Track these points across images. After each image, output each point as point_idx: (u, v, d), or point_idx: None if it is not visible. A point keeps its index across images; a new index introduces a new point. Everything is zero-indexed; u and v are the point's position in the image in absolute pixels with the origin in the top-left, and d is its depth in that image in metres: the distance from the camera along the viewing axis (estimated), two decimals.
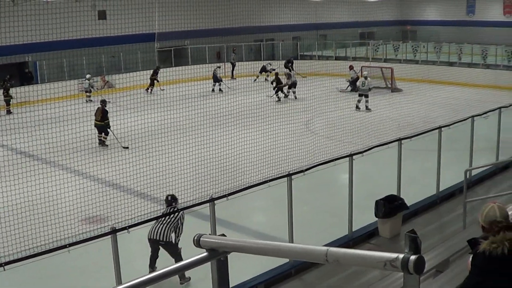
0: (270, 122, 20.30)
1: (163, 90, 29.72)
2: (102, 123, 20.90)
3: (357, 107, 25.80)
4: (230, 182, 13.73)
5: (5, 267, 7.13)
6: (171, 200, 10.41)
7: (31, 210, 12.63)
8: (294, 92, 29.64)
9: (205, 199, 9.03)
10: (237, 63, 38.25)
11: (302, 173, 10.03)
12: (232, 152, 16.28)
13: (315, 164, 10.73)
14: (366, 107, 25.75)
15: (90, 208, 13.21)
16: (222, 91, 32.20)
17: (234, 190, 9.27)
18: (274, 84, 30.32)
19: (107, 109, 21.23)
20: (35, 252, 7.48)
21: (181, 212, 9.87)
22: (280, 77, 30.53)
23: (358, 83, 27.14)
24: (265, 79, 35.54)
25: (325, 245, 3.49)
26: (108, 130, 20.79)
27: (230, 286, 7.81)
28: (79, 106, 22.91)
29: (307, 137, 19.49)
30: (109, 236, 7.56)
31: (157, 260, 9.93)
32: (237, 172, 15.09)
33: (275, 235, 10.98)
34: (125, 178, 14.62)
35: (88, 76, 31.48)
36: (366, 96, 25.87)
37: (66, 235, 10.47)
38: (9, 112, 28.31)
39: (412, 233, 2.84)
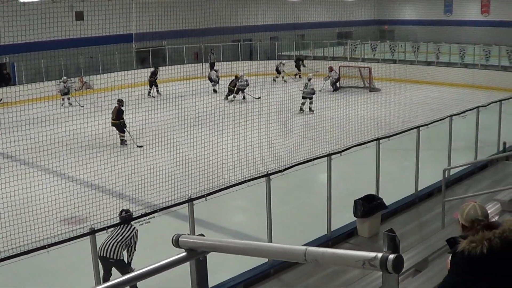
0: (249, 122, 20.31)
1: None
2: (118, 122, 20.96)
3: (300, 109, 25.82)
4: (209, 182, 13.74)
5: None
6: (124, 216, 9.53)
7: (10, 211, 12.53)
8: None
9: (184, 199, 9.01)
10: (216, 63, 38.21)
11: (280, 173, 10.03)
12: (211, 153, 16.29)
13: (294, 164, 10.74)
14: (310, 108, 25.73)
15: (69, 209, 13.13)
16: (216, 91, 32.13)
17: (213, 190, 9.25)
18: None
19: (123, 109, 21.20)
20: (13, 253, 7.42)
21: (135, 229, 9.23)
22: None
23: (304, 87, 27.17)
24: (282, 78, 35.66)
25: (304, 245, 3.49)
26: (124, 129, 20.79)
27: (209, 286, 7.79)
28: (57, 107, 22.84)
29: (285, 137, 19.50)
30: (88, 236, 7.53)
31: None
32: (216, 172, 15.10)
33: (254, 235, 10.99)
34: (103, 179, 14.56)
35: (64, 78, 30.81)
36: (310, 98, 25.80)
37: (45, 236, 10.40)
38: None
39: (391, 232, 2.85)
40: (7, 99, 25.37)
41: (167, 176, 14.86)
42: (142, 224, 8.29)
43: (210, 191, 9.21)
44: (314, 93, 25.81)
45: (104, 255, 8.95)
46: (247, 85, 29.79)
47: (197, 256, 3.47)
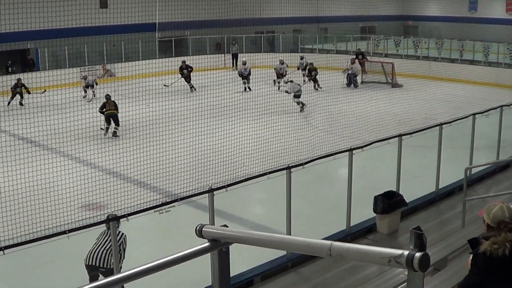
0: (271, 115, 20.30)
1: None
2: (116, 111, 21.04)
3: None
4: (229, 173, 13.73)
5: (5, 251, 7.12)
6: (111, 219, 8.64)
7: (32, 196, 12.62)
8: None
9: (204, 190, 9.02)
10: (239, 54, 38.19)
11: (301, 166, 10.02)
12: (232, 144, 16.26)
13: (315, 157, 10.72)
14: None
15: (89, 195, 13.18)
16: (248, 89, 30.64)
17: (233, 182, 9.26)
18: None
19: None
20: (35, 237, 7.47)
21: (124, 235, 8.67)
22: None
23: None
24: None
25: (324, 239, 3.47)
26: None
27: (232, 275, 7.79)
28: (80, 94, 22.95)
29: (307, 130, 19.45)
30: (109, 223, 7.56)
31: None
32: (236, 163, 15.08)
33: (272, 228, 10.98)
34: (124, 166, 14.61)
35: (84, 74, 30.00)
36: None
37: (65, 221, 10.47)
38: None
39: (418, 229, 2.83)
40: (31, 85, 25.55)
41: (187, 166, 14.89)
42: (162, 212, 8.30)
43: (230, 182, 9.21)
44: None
45: (93, 263, 8.49)
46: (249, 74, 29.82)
47: (220, 247, 3.46)
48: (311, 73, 29.45)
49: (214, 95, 20.09)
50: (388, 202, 10.80)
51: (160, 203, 8.54)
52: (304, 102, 24.25)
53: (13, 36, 31.64)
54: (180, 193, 10.74)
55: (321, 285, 9.09)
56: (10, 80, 27.01)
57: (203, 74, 26.12)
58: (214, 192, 8.75)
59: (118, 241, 8.42)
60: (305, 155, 13.23)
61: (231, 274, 8.52)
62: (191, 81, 30.28)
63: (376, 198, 10.88)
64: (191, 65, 30.77)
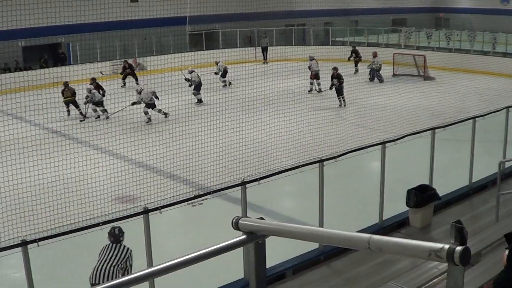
0: (302, 108, 20.24)
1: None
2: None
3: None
4: (260, 166, 13.72)
5: (39, 243, 7.20)
6: (119, 234, 8.34)
7: (65, 189, 12.75)
8: (318, 84, 27.70)
9: (235, 183, 9.03)
10: (269, 48, 38.12)
11: (334, 160, 9.99)
12: (263, 137, 16.25)
13: (347, 151, 10.67)
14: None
15: (121, 188, 13.26)
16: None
17: (266, 174, 9.25)
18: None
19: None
20: (69, 229, 7.55)
21: (129, 250, 8.26)
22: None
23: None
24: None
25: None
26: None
27: None
28: (111, 87, 23.10)
29: (338, 124, 19.36)
30: (142, 216, 7.60)
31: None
32: (267, 157, 15.07)
33: (304, 221, 10.95)
34: (156, 159, 14.68)
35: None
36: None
37: (98, 213, 10.55)
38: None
39: (458, 223, 2.80)
40: (61, 78, 25.76)
41: (217, 159, 14.91)
42: (195, 205, 8.33)
43: (263, 175, 9.21)
44: None
45: (99, 282, 7.82)
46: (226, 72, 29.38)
47: (256, 240, 3.45)
48: (332, 80, 25.34)
49: (245, 89, 20.06)
50: (421, 195, 10.73)
51: (193, 195, 8.57)
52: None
53: (45, 30, 31.99)
54: (211, 186, 10.77)
55: (353, 279, 9.07)
56: (44, 73, 27.30)
57: (233, 67, 26.12)
58: (247, 185, 8.75)
59: (125, 256, 8.14)
60: (337, 148, 13.17)
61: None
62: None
63: (409, 191, 10.81)
64: (222, 57, 30.66)
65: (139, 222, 7.81)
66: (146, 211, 7.53)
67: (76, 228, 7.61)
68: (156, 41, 36.54)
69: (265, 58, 37.89)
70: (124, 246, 8.25)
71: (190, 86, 25.34)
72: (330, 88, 24.49)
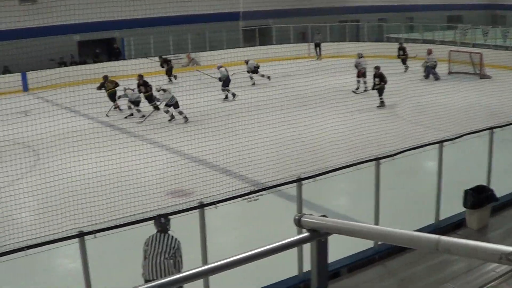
0: (356, 105, 20.09)
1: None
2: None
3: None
4: (315, 163, 13.63)
5: (96, 234, 7.28)
6: (165, 223, 8.03)
7: (120, 182, 12.89)
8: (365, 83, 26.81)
9: (290, 179, 8.98)
10: (322, 44, 37.93)
11: (390, 158, 9.87)
12: (317, 134, 16.16)
13: (404, 149, 10.53)
14: None
15: (175, 182, 13.32)
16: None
17: (322, 172, 9.19)
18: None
19: None
20: (123, 223, 7.61)
21: (178, 241, 8.02)
22: None
23: None
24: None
25: None
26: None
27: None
28: (165, 82, 23.30)
29: (393, 122, 19.13)
30: (197, 210, 7.62)
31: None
32: (322, 154, 14.98)
33: (358, 219, 10.85)
34: (210, 154, 14.72)
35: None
36: None
37: (153, 207, 10.63)
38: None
39: None
40: (115, 73, 26.09)
41: (273, 155, 14.88)
42: (251, 201, 8.32)
43: (317, 173, 9.15)
44: None
45: (156, 277, 7.62)
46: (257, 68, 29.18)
47: (319, 237, 3.43)
48: (374, 79, 24.43)
49: (297, 85, 19.98)
50: (478, 196, 10.51)
51: (249, 191, 8.57)
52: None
53: (100, 25, 32.45)
54: (265, 182, 10.74)
55: (408, 280, 8.95)
56: (96, 68, 27.69)
57: (286, 64, 26.04)
58: (302, 182, 8.71)
59: (175, 247, 7.94)
60: (393, 146, 12.99)
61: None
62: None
63: (466, 192, 10.61)
64: (276, 53, 30.61)
65: (192, 216, 7.83)
66: (201, 206, 7.54)
67: (134, 220, 7.67)
68: (209, 37, 36.71)
69: (317, 54, 37.73)
70: (172, 236, 8.01)
71: (220, 80, 25.58)
72: (372, 88, 23.99)
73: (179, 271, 7.70)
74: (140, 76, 23.93)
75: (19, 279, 9.66)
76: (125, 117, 22.42)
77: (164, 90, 22.09)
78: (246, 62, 28.68)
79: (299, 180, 8.53)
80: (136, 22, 32.58)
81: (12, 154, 14.17)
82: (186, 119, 21.28)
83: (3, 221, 11.70)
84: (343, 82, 24.09)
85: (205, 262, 7.63)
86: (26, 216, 12.45)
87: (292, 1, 36.82)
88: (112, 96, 24.14)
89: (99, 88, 24.26)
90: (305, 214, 3.45)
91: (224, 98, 25.49)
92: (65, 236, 7.30)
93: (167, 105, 21.65)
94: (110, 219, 9.60)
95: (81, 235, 7.06)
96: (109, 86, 24.25)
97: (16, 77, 29.85)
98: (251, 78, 28.79)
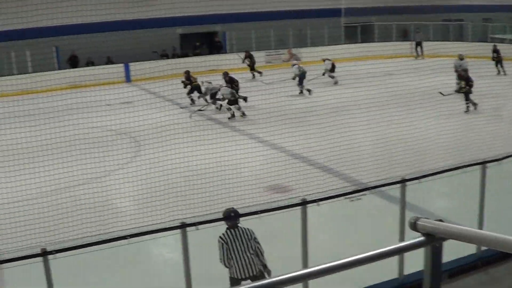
0: (458, 106, 19.59)
1: None
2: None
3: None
4: (417, 165, 13.36)
5: (198, 227, 7.33)
6: (236, 216, 7.79)
7: (219, 175, 13.03)
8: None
9: (393, 180, 8.82)
10: (424, 43, 37.15)
11: (497, 162, 9.55)
12: (418, 135, 15.84)
13: None
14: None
15: (274, 178, 13.32)
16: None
17: (427, 173, 8.98)
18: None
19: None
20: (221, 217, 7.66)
21: (250, 230, 7.80)
22: None
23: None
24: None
25: None
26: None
27: (412, 271, 7.60)
28: (264, 78, 23.38)
29: (497, 124, 18.51)
30: (300, 207, 7.58)
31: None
32: (425, 155, 14.68)
33: (460, 223, 10.52)
34: (310, 151, 14.66)
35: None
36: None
37: (251, 202, 10.67)
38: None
39: None
40: (217, 67, 26.43)
41: (373, 154, 14.69)
42: (353, 200, 8.24)
43: (424, 174, 8.94)
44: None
45: (251, 273, 7.66)
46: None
47: (434, 242, 3.33)
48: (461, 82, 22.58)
49: (397, 84, 19.65)
50: None
51: (352, 190, 8.48)
52: None
53: (202, 19, 32.96)
54: (366, 182, 10.58)
55: None
56: (198, 61, 28.12)
57: (388, 62, 25.68)
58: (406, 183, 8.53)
59: (255, 240, 7.77)
60: (501, 150, 12.56)
61: (417, 269, 8.33)
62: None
63: None
64: (377, 51, 30.16)
65: (289, 214, 7.78)
66: (304, 203, 7.51)
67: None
68: (311, 33, 36.62)
69: (417, 53, 37.00)
70: (243, 228, 7.79)
71: (293, 79, 25.63)
72: (458, 91, 22.37)
73: (263, 258, 7.81)
74: (226, 74, 24.15)
75: (121, 267, 9.89)
76: (200, 110, 22.66)
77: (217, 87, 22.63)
78: (324, 60, 28.49)
79: (403, 181, 8.37)
80: (238, 16, 32.94)
81: (114, 144, 14.55)
82: (244, 114, 21.34)
83: (107, 209, 12.06)
84: (443, 82, 23.52)
85: (305, 260, 7.60)
86: (128, 206, 12.77)
87: None
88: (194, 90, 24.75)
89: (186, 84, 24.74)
90: (421, 217, 3.35)
91: (299, 93, 25.69)
92: (168, 226, 7.41)
93: (229, 102, 21.81)
94: (209, 212, 9.68)
95: (183, 226, 7.15)
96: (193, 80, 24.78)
97: (119, 68, 30.72)
98: (332, 77, 28.37)
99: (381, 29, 39.17)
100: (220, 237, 7.72)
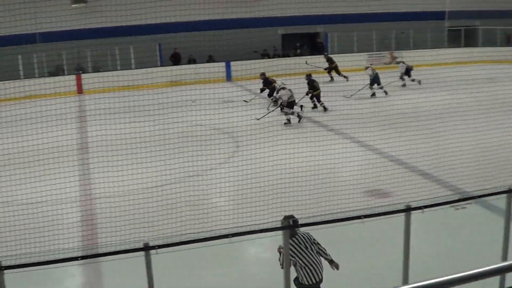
0: None
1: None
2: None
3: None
4: None
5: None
6: (294, 225, 7.35)
7: (317, 177, 12.94)
8: None
9: (502, 189, 8.49)
10: None
11: None
12: None
13: None
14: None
15: (373, 181, 13.13)
16: None
17: None
18: None
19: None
20: (330, 219, 7.56)
21: (309, 233, 7.74)
22: None
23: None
24: None
25: None
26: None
27: None
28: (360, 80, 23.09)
29: None
30: (403, 213, 7.40)
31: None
32: None
33: None
34: (409, 155, 14.35)
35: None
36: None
37: (350, 207, 10.53)
38: None
39: None
40: (315, 68, 26.35)
41: (473, 162, 14.24)
42: (458, 209, 8.01)
43: None
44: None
45: (319, 278, 7.58)
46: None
47: None
48: None
49: (502, 89, 19.04)
50: None
51: (457, 198, 8.23)
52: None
53: (304, 19, 32.96)
54: (470, 190, 10.24)
55: None
56: (298, 63, 28.12)
57: (491, 67, 24.89)
58: None
59: (314, 242, 7.71)
60: None
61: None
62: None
63: None
64: (480, 56, 29.32)
65: (388, 220, 7.59)
66: (408, 209, 7.33)
67: (338, 218, 7.59)
68: (413, 35, 36.04)
69: None
70: (302, 233, 7.68)
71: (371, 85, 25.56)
72: None
73: (328, 254, 7.77)
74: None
75: (217, 265, 9.94)
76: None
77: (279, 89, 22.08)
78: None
79: (510, 191, 8.05)
80: (340, 17, 32.78)
81: (214, 141, 14.66)
82: (300, 118, 20.84)
83: (206, 206, 12.20)
84: None
85: (406, 269, 7.41)
86: (224, 204, 12.83)
87: (502, 2, 35.23)
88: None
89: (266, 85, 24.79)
90: None
91: (371, 95, 25.63)
92: (273, 227, 7.33)
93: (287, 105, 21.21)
94: (314, 215, 9.56)
95: (287, 227, 7.09)
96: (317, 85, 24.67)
97: (220, 68, 31.08)
98: (402, 79, 27.84)
99: (485, 33, 38.05)
100: (284, 248, 7.19)
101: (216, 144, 15.08)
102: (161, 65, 32.86)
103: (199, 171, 13.83)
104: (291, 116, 20.62)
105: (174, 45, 32.24)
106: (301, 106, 22.11)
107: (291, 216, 7.35)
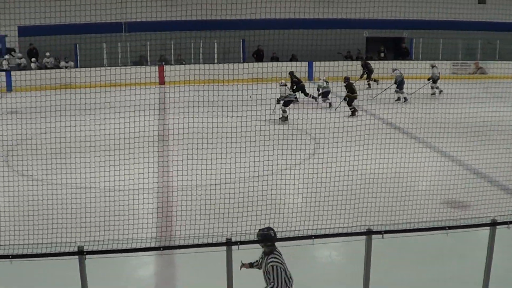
0: None
1: None
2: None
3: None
4: None
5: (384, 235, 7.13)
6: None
7: (393, 183, 12.70)
8: None
9: None
10: None
11: None
12: None
13: None
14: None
15: (450, 191, 12.76)
16: None
17: None
18: None
19: None
20: (413, 227, 7.42)
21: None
22: None
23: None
24: None
25: None
26: None
27: None
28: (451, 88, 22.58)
29: None
30: (488, 227, 7.18)
31: None
32: None
33: None
34: (489, 167, 13.92)
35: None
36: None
37: (426, 217, 10.31)
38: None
39: None
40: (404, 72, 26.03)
41: None
42: None
43: None
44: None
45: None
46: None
47: None
48: None
49: None
50: None
51: None
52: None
53: (390, 23, 32.62)
54: None
55: None
56: (382, 67, 27.82)
57: None
58: None
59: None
60: None
61: None
62: None
63: None
64: None
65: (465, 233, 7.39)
66: (494, 224, 7.10)
67: (421, 227, 7.46)
68: (500, 46, 35.14)
69: None
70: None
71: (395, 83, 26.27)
72: None
73: None
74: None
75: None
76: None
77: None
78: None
79: None
80: (426, 23, 32.28)
81: (293, 140, 14.56)
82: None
83: (280, 205, 12.14)
84: None
85: (486, 284, 7.21)
86: (301, 205, 12.71)
87: None
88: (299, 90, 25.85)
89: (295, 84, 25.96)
90: None
91: (396, 100, 26.09)
92: (354, 231, 7.23)
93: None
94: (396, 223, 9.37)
95: (369, 233, 6.98)
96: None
97: (302, 68, 31.06)
98: (432, 88, 28.05)
99: None
100: (279, 262, 6.99)
101: (294, 145, 14.86)
102: (244, 61, 33.06)
103: (275, 170, 13.78)
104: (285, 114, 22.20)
105: (258, 42, 32.37)
106: (314, 97, 24.34)
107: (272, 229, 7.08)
